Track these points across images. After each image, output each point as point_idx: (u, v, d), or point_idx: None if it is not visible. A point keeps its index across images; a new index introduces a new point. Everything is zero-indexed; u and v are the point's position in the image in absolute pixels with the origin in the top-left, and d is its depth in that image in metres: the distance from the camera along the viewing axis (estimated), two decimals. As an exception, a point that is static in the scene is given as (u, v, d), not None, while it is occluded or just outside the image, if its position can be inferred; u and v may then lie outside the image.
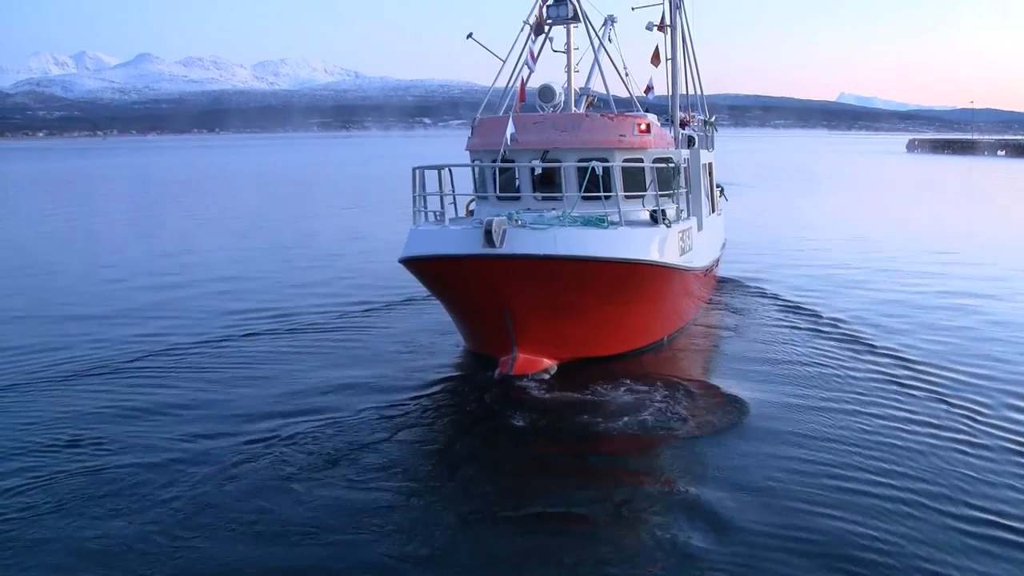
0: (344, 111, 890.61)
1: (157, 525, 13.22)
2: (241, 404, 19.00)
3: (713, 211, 30.14)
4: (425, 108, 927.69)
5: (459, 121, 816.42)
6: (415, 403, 18.86)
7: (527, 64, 23.78)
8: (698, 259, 25.07)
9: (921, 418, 17.66)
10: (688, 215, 24.87)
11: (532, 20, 23.79)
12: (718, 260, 30.74)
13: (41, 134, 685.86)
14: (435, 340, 24.43)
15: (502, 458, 16.10)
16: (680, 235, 22.77)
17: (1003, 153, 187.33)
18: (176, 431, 17.29)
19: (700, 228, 25.78)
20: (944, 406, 18.42)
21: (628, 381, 19.79)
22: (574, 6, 23.87)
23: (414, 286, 23.68)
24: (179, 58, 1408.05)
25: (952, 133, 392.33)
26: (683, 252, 22.98)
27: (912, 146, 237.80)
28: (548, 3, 23.80)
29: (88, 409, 18.71)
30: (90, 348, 23.83)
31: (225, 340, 24.63)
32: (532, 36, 23.79)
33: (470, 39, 25.44)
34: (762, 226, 51.18)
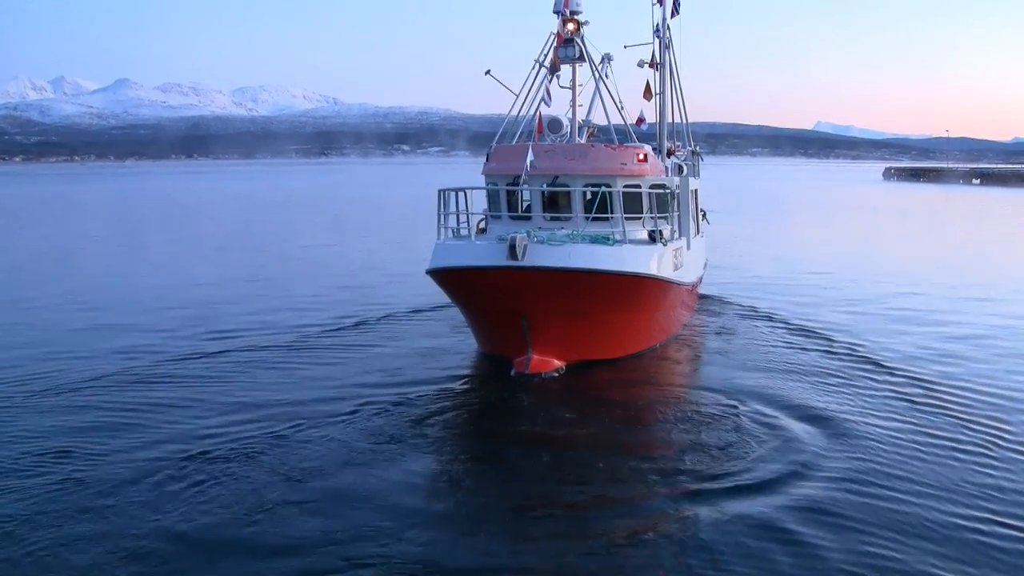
0: (323, 137, 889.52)
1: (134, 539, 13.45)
2: (226, 414, 19.61)
3: (698, 233, 32.49)
4: (404, 135, 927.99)
5: (438, 148, 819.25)
6: (419, 429, 19.00)
7: (544, 100, 26.41)
8: (687, 275, 27.69)
9: (938, 435, 18.32)
10: (679, 235, 27.41)
11: (546, 61, 26.35)
12: (701, 277, 33.25)
13: (18, 159, 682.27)
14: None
15: (508, 496, 15.53)
16: (674, 253, 25.39)
17: (978, 182, 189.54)
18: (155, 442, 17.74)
19: (689, 248, 28.38)
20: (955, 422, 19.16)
21: (640, 404, 20.94)
22: (580, 47, 26.32)
23: (369, 308, 24.82)
24: (158, 83, 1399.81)
25: (927, 161, 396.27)
26: (676, 268, 25.50)
27: (888, 174, 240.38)
28: (559, 46, 26.15)
29: (70, 422, 19.20)
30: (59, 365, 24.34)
31: (202, 356, 25.34)
32: (548, 75, 26.42)
33: (488, 75, 27.37)
34: (743, 249, 52.18)
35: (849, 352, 25.55)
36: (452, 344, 26.95)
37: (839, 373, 23.26)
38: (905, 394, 21.31)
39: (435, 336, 28.10)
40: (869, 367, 23.84)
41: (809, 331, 28.46)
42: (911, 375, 23.05)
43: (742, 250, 53.21)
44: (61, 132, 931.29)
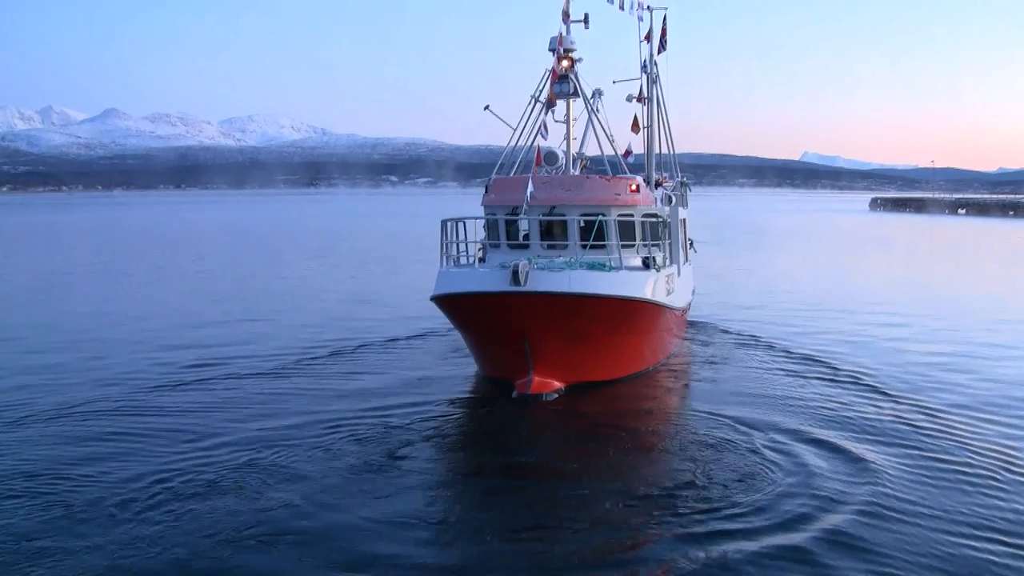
0: (312, 168, 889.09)
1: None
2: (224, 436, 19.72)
3: (686, 261, 33.72)
4: (392, 166, 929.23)
5: (425, 179, 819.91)
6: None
7: (541, 134, 27.53)
8: (678, 300, 28.79)
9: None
10: (670, 262, 28.56)
11: (543, 97, 27.70)
12: (690, 303, 34.21)
13: (5, 188, 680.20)
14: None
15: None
16: (666, 279, 26.48)
17: (964, 212, 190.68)
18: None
19: (679, 274, 29.51)
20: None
21: (642, 432, 20.88)
22: (574, 83, 27.66)
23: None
24: (146, 114, 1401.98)
25: (913, 192, 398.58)
26: (668, 293, 26.58)
27: (875, 205, 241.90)
28: (555, 82, 27.44)
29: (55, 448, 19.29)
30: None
31: (180, 384, 25.38)
32: (544, 110, 27.75)
33: (487, 110, 28.73)
34: (735, 279, 52.55)
35: (853, 380, 25.70)
36: (438, 372, 27.18)
37: (842, 400, 23.39)
38: (909, 420, 21.43)
39: (418, 365, 28.16)
40: (873, 395, 23.98)
41: (807, 358, 28.74)
42: (915, 402, 23.21)
43: (734, 280, 53.66)
44: (49, 162, 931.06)
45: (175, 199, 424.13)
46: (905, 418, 21.65)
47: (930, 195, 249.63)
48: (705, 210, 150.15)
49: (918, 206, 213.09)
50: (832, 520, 15.11)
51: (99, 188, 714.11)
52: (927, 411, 22.30)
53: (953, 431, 20.53)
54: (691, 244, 36.42)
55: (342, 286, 51.71)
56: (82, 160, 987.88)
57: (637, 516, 15.53)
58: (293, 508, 15.64)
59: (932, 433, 20.35)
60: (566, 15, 27.63)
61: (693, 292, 35.95)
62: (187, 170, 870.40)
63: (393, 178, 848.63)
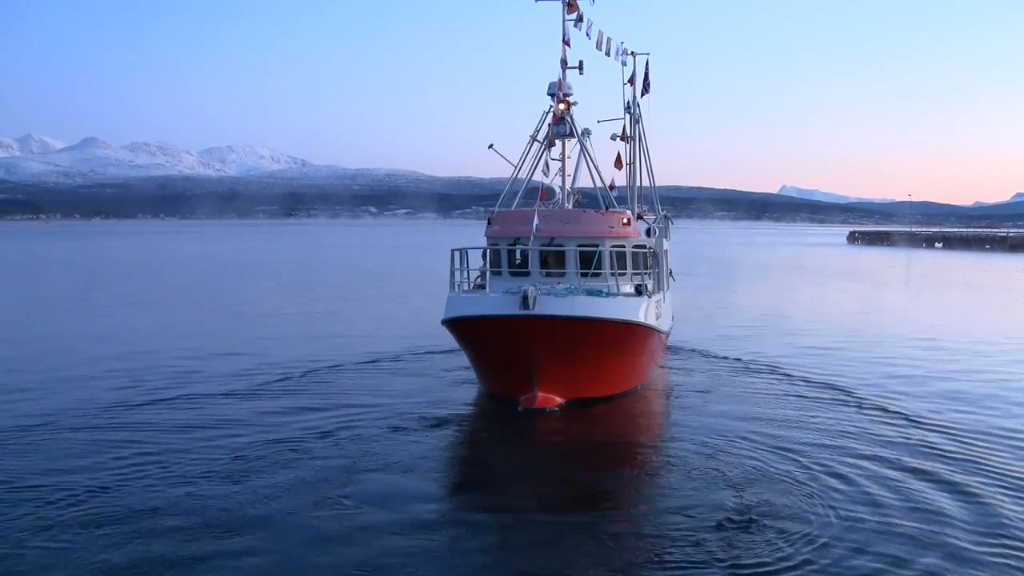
0: (291, 198, 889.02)
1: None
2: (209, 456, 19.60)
3: (668, 289, 35.99)
4: (371, 197, 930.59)
5: (405, 210, 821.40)
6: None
7: (542, 171, 30.44)
8: (664, 324, 31.11)
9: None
10: (657, 289, 30.66)
11: (542, 137, 30.21)
12: (671, 328, 36.02)
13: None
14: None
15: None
16: (656, 304, 28.69)
17: (940, 245, 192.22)
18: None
19: (664, 301, 31.84)
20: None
21: (652, 458, 21.05)
22: (570, 125, 30.15)
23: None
24: (125, 143, 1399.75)
25: (890, 225, 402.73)
26: (657, 317, 28.71)
27: (852, 238, 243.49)
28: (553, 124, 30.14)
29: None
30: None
31: (140, 405, 25.34)
32: (543, 149, 30.35)
33: (491, 148, 31.00)
34: (729, 310, 52.81)
35: (879, 408, 25.71)
36: (432, 393, 27.81)
37: (858, 425, 23.51)
38: (933, 444, 21.51)
39: (385, 389, 28.24)
40: (900, 421, 24.07)
41: (814, 383, 29.33)
42: (936, 425, 23.49)
43: (712, 309, 54.17)
44: (27, 190, 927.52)
45: (155, 228, 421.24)
46: (928, 441, 21.69)
47: (908, 228, 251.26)
48: (681, 243, 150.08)
49: (896, 239, 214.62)
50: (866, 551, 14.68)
51: (77, 217, 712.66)
52: (948, 433, 22.53)
53: (981, 456, 20.45)
54: (670, 273, 38.10)
55: (325, 312, 51.88)
56: (61, 189, 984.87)
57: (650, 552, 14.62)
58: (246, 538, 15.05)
59: (956, 457, 20.32)
60: (564, 62, 30.04)
61: (673, 318, 37.56)
62: (167, 200, 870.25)
63: (372, 209, 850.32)
